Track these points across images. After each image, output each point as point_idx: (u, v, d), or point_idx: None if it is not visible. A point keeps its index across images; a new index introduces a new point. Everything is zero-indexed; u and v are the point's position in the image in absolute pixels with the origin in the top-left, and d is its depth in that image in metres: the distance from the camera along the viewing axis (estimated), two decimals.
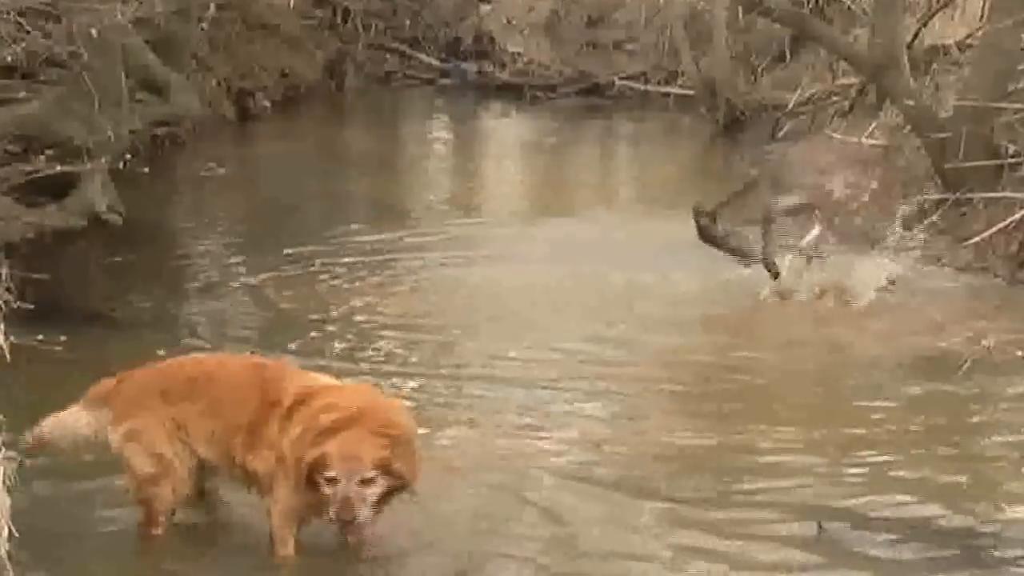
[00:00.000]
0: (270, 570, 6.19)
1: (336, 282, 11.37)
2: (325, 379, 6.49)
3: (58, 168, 10.20)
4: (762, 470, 7.47)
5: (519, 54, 26.41)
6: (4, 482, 5.40)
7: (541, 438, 7.94)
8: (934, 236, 12.35)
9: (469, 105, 25.26)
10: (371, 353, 9.48)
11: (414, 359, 9.40)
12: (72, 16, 10.76)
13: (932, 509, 6.97)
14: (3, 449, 5.45)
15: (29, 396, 7.52)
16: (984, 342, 9.35)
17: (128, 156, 11.22)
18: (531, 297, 11.08)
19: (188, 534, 6.38)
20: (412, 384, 8.78)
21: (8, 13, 9.58)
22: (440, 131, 23.44)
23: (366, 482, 5.82)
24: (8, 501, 5.33)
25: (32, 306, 7.77)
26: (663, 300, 11.02)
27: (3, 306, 7.29)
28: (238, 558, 6.32)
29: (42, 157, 10.13)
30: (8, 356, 6.59)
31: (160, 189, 14.56)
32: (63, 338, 8.88)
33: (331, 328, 10.03)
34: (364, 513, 5.86)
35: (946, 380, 8.95)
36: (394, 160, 19.30)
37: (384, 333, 9.96)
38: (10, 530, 5.31)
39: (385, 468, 5.82)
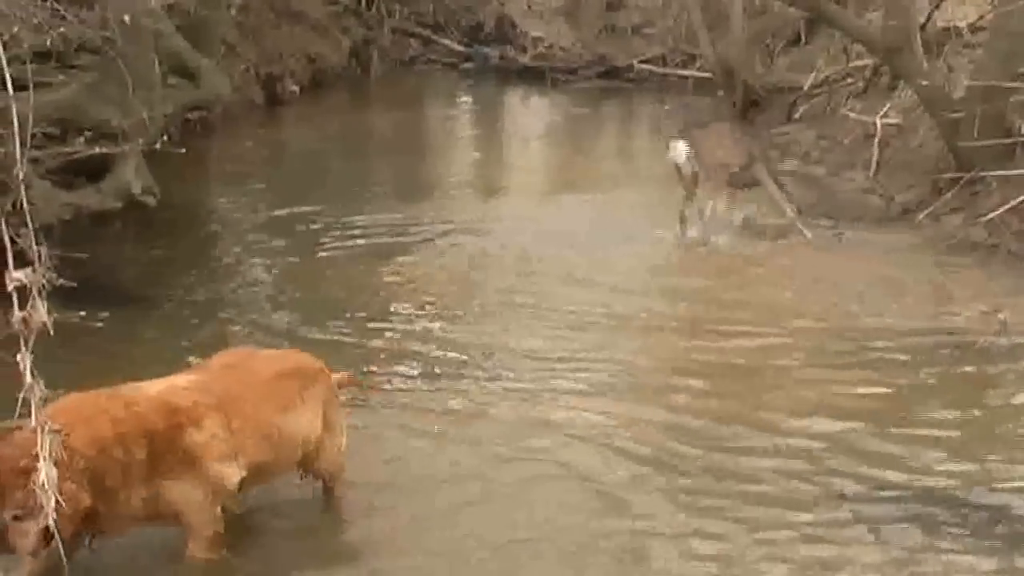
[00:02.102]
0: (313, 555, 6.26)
1: (361, 264, 11.50)
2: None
3: (96, 150, 10.43)
4: (775, 443, 7.53)
5: (540, 38, 26.48)
6: (51, 454, 5.49)
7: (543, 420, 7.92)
8: (948, 214, 12.55)
9: (491, 89, 25.27)
10: (387, 334, 9.57)
11: (425, 342, 9.40)
12: (105, 3, 10.89)
13: (947, 480, 7.09)
14: (48, 422, 5.53)
15: (69, 371, 7.73)
16: (1000, 316, 9.55)
17: (162, 139, 11.41)
18: (546, 274, 11.19)
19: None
20: (420, 367, 8.84)
21: (44, 0, 9.73)
22: (463, 114, 23.44)
23: (16, 518, 5.37)
24: (55, 473, 5.24)
25: (75, 284, 8.00)
26: (674, 276, 11.24)
27: (46, 284, 7.51)
28: (284, 542, 6.35)
29: (81, 139, 10.36)
30: (51, 331, 6.81)
31: (192, 172, 14.74)
32: (105, 314, 9.17)
33: (353, 311, 10.07)
34: (26, 546, 5.37)
35: (963, 355, 9.04)
36: (418, 143, 19.37)
37: (396, 317, 10.03)
38: (58, 501, 5.23)
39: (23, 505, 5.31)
